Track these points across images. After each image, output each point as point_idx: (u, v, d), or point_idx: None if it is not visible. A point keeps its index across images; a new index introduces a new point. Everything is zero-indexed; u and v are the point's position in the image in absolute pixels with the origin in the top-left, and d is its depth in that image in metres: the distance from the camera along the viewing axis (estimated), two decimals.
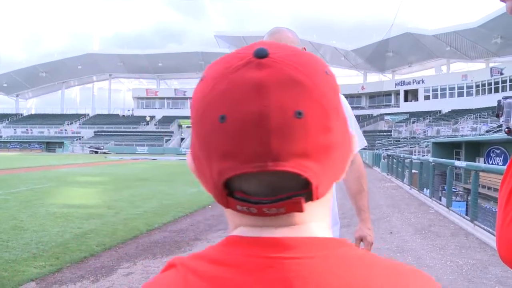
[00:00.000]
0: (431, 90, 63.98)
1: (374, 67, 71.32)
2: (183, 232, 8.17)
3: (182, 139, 74.90)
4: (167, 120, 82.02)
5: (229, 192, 0.53)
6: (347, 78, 77.90)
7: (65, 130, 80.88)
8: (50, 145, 74.61)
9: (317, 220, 0.57)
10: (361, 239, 2.36)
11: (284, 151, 0.49)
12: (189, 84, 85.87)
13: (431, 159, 14.11)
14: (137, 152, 66.76)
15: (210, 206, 11.08)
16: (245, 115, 0.49)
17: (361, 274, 0.52)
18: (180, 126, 78.43)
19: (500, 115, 2.13)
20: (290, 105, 0.49)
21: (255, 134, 0.49)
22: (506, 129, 1.88)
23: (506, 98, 2.11)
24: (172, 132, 78.26)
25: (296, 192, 0.52)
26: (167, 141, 74.75)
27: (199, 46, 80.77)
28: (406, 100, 67.78)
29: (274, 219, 0.54)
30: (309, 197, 0.52)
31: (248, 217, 0.55)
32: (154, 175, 22.52)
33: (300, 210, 0.53)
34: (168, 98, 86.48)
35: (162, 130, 79.77)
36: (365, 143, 2.52)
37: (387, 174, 24.22)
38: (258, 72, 0.50)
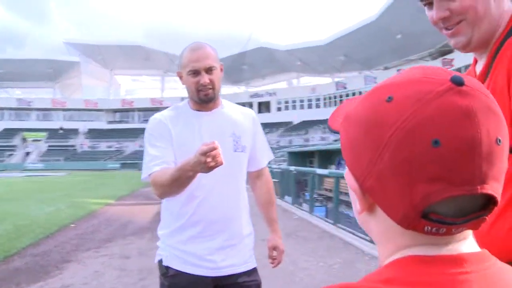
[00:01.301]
0: (283, 102, 67.34)
1: (230, 80, 73.25)
2: (48, 255, 7.37)
3: (27, 153, 69.17)
4: (9, 133, 74.65)
5: (423, 214, 0.55)
6: None
7: None
8: None
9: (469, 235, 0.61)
10: (274, 248, 2.45)
11: (489, 175, 0.53)
12: (35, 94, 78.78)
13: (292, 168, 14.96)
14: None
15: (73, 225, 10.45)
16: (460, 140, 0.51)
17: None
18: (24, 139, 71.75)
19: None
20: (493, 132, 0.53)
21: (469, 159, 0.51)
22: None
23: None
24: (15, 146, 71.52)
25: (481, 212, 0.56)
26: (9, 155, 68.55)
27: (46, 53, 75.47)
28: (259, 111, 70.63)
29: (446, 238, 0.58)
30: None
31: (424, 237, 0.58)
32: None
33: (477, 228, 0.58)
34: (9, 109, 77.91)
35: (3, 144, 71.25)
36: (273, 156, 2.69)
37: (247, 184, 24.98)
38: (463, 100, 0.52)
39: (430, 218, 0.54)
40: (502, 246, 1.19)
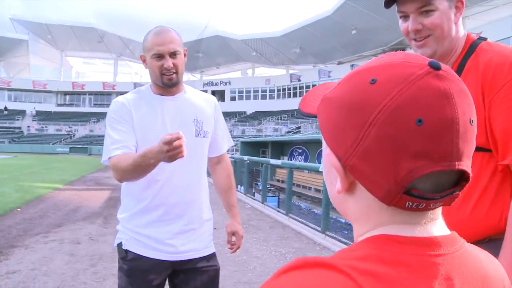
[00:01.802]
0: (237, 92, 67.21)
1: (184, 67, 72.42)
2: None
3: None
4: None
5: (406, 190, 0.58)
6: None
7: None
8: None
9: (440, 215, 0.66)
10: (233, 233, 2.49)
11: (464, 153, 0.58)
12: None
13: (246, 157, 15.01)
14: None
15: (19, 209, 10.15)
16: (440, 119, 0.56)
17: (487, 259, 0.67)
18: None
19: None
20: (467, 113, 0.58)
21: (447, 137, 0.56)
22: None
23: None
24: None
25: (455, 187, 0.61)
26: None
27: None
28: None
29: (421, 215, 0.62)
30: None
31: (402, 215, 0.62)
32: None
33: (451, 204, 0.63)
34: None
35: None
36: (233, 143, 2.72)
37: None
38: (441, 83, 0.57)
39: (412, 194, 0.58)
40: (470, 227, 1.43)
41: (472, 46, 1.60)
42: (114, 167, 2.05)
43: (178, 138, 1.72)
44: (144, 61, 2.22)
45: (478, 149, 1.23)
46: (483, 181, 1.51)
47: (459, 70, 1.56)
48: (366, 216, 0.64)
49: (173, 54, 2.13)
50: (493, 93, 1.46)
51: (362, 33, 45.90)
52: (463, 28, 1.63)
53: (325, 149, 0.67)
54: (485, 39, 1.62)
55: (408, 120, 0.56)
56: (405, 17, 1.57)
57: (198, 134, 2.26)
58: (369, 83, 0.59)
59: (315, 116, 0.70)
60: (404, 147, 0.56)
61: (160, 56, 2.12)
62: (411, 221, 0.62)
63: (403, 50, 46.40)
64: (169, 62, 2.12)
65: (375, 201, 0.61)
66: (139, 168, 1.94)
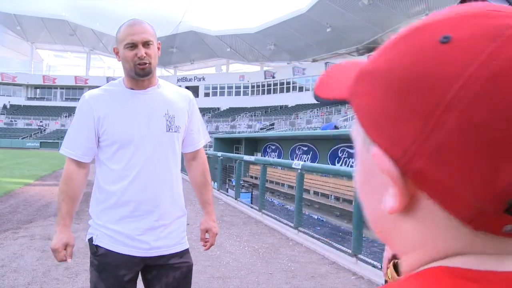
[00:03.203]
0: (211, 88, 67.07)
1: (158, 62, 71.58)
2: None
3: None
4: None
5: (507, 207, 0.38)
6: None
7: None
8: None
9: None
10: (206, 231, 2.49)
11: None
12: None
13: (219, 153, 14.98)
14: None
15: None
16: None
17: None
18: None
19: None
20: None
21: None
22: None
23: None
24: None
25: None
26: None
27: None
28: None
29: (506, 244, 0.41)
30: None
31: (493, 242, 0.40)
32: None
33: None
34: None
35: None
36: (210, 138, 2.72)
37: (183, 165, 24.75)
38: None
39: None
40: None
41: None
42: (64, 177, 2.28)
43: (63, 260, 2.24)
44: (117, 53, 2.21)
45: None
46: None
47: None
48: (427, 242, 0.43)
49: (146, 44, 2.13)
50: None
51: (337, 31, 46.26)
52: None
53: (365, 148, 0.46)
54: None
55: None
56: None
57: (169, 129, 2.25)
58: (438, 42, 0.39)
59: (339, 103, 0.50)
60: (506, 142, 0.36)
61: (133, 46, 2.12)
62: (498, 251, 0.41)
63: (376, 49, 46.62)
64: (142, 51, 2.11)
65: (449, 223, 0.41)
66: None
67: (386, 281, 1.12)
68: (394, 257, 1.44)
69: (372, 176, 0.46)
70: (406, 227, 0.44)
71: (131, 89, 2.23)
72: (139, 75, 2.16)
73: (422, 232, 0.43)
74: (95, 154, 2.25)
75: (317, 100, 0.52)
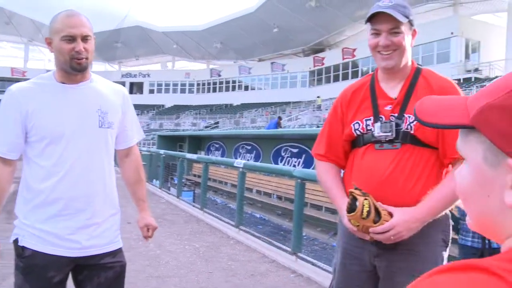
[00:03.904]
0: (156, 85, 66.05)
1: (102, 57, 70.07)
2: None
3: None
4: None
5: None
6: None
7: None
8: None
9: None
10: (146, 227, 2.43)
11: None
12: None
13: (162, 151, 14.82)
14: None
15: None
16: None
17: None
18: None
19: None
20: None
21: None
22: None
23: None
24: None
25: None
26: None
27: None
28: (131, 92, 68.43)
29: None
30: None
31: None
32: None
33: None
34: None
35: None
36: (143, 135, 2.67)
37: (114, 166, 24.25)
38: None
39: None
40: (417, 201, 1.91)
41: (417, 70, 2.08)
42: None
43: None
44: (49, 43, 2.12)
45: (430, 146, 1.95)
46: (429, 168, 1.97)
47: (411, 86, 2.03)
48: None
49: (84, 38, 2.07)
50: None
51: (284, 32, 46.67)
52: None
53: (487, 161, 0.63)
54: (421, 65, 2.13)
55: None
56: (377, 34, 2.00)
57: (101, 125, 2.18)
58: None
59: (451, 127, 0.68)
60: None
61: (71, 39, 2.04)
62: None
63: (322, 50, 47.97)
64: (80, 46, 2.04)
65: None
66: None
67: (357, 226, 1.88)
68: (348, 209, 1.86)
69: (488, 183, 0.63)
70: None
71: (62, 83, 2.14)
72: (75, 69, 2.09)
73: None
74: (23, 150, 2.14)
75: (425, 125, 0.71)
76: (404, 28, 1.98)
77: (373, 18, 2.00)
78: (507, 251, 0.60)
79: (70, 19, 2.06)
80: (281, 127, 22.01)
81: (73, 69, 2.08)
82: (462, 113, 0.65)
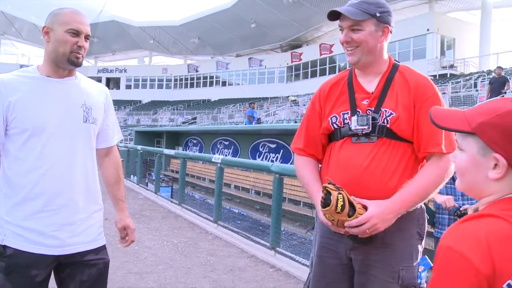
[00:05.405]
0: (133, 80, 65.37)
1: None
2: None
3: None
4: None
5: None
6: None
7: None
8: None
9: None
10: (124, 228, 2.43)
11: None
12: None
13: (139, 147, 14.70)
14: None
15: None
16: None
17: None
18: None
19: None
20: None
21: None
22: None
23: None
24: None
25: None
26: None
27: None
28: (108, 87, 66.30)
29: None
30: None
31: None
32: None
33: None
34: None
35: None
36: (122, 136, 2.66)
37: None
38: None
39: None
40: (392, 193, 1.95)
41: (394, 66, 2.12)
42: None
43: None
44: (47, 33, 2.11)
45: (405, 140, 2.00)
46: (405, 162, 2.02)
47: (388, 81, 2.07)
48: (503, 189, 1.07)
49: (86, 37, 2.14)
50: (421, 102, 2.00)
51: (261, 27, 46.64)
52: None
53: (480, 154, 1.08)
54: (398, 61, 2.18)
55: None
56: (342, 30, 2.06)
57: (86, 120, 2.17)
58: None
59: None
60: None
61: (77, 34, 2.09)
62: None
63: (300, 46, 48.06)
64: (83, 42, 2.11)
65: None
66: None
67: (332, 220, 1.90)
68: (323, 204, 1.89)
69: (479, 165, 1.09)
70: (493, 184, 1.08)
71: (48, 76, 2.13)
72: (72, 63, 2.10)
73: (502, 185, 1.07)
74: (2, 143, 2.10)
75: (438, 128, 1.20)
76: (366, 25, 2.00)
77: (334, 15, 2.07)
78: (501, 201, 1.06)
79: (78, 15, 2.12)
80: (254, 109, 21.74)
81: (70, 62, 2.09)
82: (462, 122, 1.10)
